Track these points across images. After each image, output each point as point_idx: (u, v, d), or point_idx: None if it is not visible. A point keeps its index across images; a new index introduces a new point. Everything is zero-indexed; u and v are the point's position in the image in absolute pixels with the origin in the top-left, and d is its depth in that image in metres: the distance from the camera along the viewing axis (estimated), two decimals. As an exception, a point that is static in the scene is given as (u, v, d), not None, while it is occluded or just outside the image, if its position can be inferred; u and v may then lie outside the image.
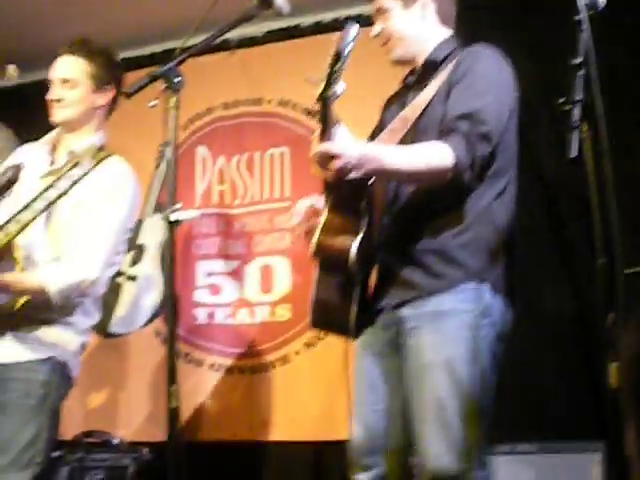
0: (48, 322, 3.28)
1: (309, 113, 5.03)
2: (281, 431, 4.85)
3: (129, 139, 3.80)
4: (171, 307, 2.68)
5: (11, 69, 3.53)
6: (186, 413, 4.79)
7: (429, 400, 2.71)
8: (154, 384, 5.00)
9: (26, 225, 3.16)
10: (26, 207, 3.18)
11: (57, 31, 3.54)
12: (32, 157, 3.49)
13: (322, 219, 2.82)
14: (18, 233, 3.15)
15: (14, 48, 3.55)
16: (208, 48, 2.90)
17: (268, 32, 5.28)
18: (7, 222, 3.17)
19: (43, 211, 3.18)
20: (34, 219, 3.17)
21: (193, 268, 5.19)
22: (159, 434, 4.92)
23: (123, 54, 5.31)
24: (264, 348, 4.96)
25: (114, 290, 5.19)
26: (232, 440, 4.93)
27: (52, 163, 3.44)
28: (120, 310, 5.13)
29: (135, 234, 5.18)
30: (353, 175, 2.65)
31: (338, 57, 2.53)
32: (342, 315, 2.84)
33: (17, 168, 3.11)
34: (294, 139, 5.09)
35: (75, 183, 3.17)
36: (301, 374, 4.86)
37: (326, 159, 2.62)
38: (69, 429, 4.76)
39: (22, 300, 3.23)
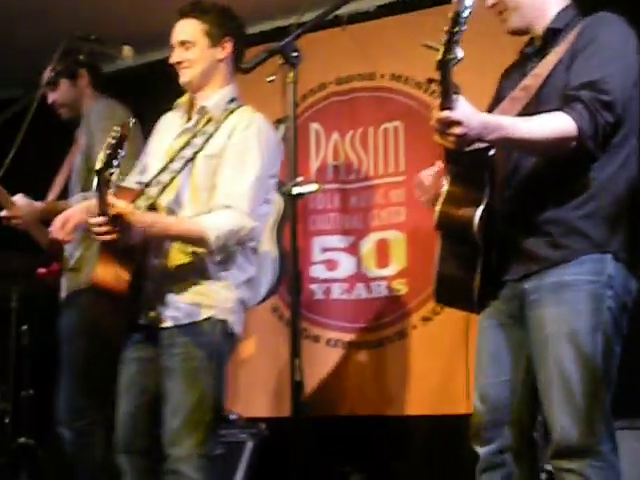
0: (203, 279, 3.36)
1: (422, 86, 5.01)
2: (398, 406, 4.86)
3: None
4: (295, 281, 2.71)
5: (127, 50, 3.61)
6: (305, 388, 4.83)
7: (553, 372, 2.70)
8: (271, 360, 5.06)
9: (166, 186, 3.34)
10: (164, 169, 3.38)
11: (170, 12, 3.59)
12: (168, 121, 3.63)
13: (444, 190, 2.82)
14: (159, 195, 3.31)
15: (129, 30, 3.62)
16: (322, 23, 2.93)
17: (380, 6, 5.25)
18: (147, 185, 3.35)
19: (181, 170, 3.35)
20: (173, 179, 3.35)
21: (309, 244, 5.22)
22: (276, 410, 5.06)
23: (259, 27, 5.40)
24: (381, 323, 4.97)
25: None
26: (349, 415, 4.97)
27: (186, 123, 3.54)
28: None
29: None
30: (475, 144, 2.65)
31: (456, 19, 2.49)
32: (466, 290, 2.83)
33: (125, 125, 3.16)
34: (408, 113, 5.06)
35: (210, 137, 3.37)
36: (418, 348, 4.86)
37: (447, 126, 2.61)
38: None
39: (177, 261, 3.35)
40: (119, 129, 3.05)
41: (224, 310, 3.37)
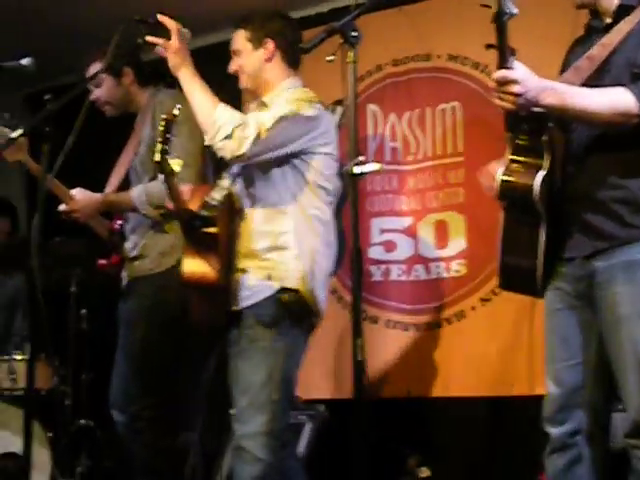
0: (270, 251, 3.48)
1: (479, 66, 4.98)
2: (457, 387, 4.85)
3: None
4: (356, 261, 2.71)
5: (185, 33, 3.63)
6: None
7: (627, 353, 2.70)
8: (329, 342, 5.06)
9: (237, 175, 3.58)
10: None
11: None
12: None
13: (505, 161, 2.82)
14: (232, 184, 3.56)
15: (184, 13, 3.64)
16: (379, 4, 2.92)
17: (436, -13, 5.23)
18: (218, 177, 3.61)
19: None
20: (244, 168, 3.57)
21: (367, 225, 5.21)
22: (335, 392, 5.07)
23: (296, 13, 5.41)
24: (439, 304, 4.96)
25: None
26: (407, 397, 4.96)
27: None
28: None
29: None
30: (533, 108, 2.66)
31: None
32: (529, 272, 2.83)
33: (170, 113, 3.31)
34: (465, 93, 5.03)
35: None
36: (477, 330, 4.84)
37: (505, 85, 2.61)
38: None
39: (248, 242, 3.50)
40: (165, 117, 3.27)
41: (293, 280, 3.44)
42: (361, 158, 2.69)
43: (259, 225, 3.51)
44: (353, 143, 2.74)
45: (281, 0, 5.07)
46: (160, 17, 3.48)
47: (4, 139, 3.72)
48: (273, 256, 3.46)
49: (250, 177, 3.58)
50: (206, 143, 3.44)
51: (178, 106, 3.36)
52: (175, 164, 3.33)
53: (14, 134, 3.13)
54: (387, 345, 5.00)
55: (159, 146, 3.24)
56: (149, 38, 3.51)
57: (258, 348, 3.40)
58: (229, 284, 3.49)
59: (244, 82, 3.68)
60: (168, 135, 3.28)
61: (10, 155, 3.86)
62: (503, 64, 2.61)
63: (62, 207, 4.15)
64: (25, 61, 3.69)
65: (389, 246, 5.15)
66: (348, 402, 4.46)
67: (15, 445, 4.53)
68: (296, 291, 3.42)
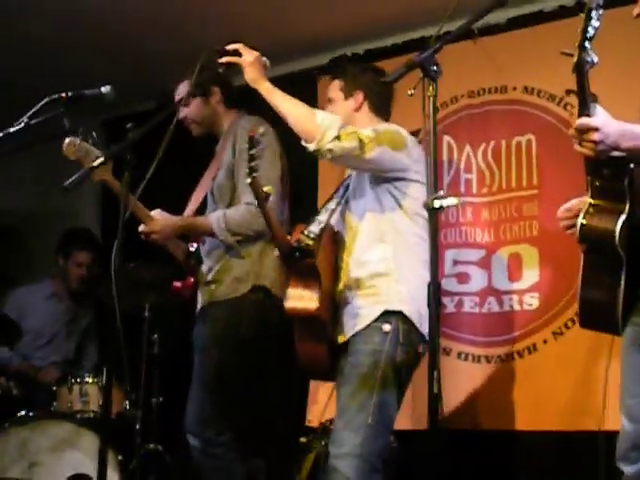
0: (373, 277, 3.61)
1: (555, 99, 4.96)
2: (527, 421, 4.79)
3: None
4: (434, 293, 2.71)
5: (263, 61, 3.70)
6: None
7: None
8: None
9: (333, 211, 3.81)
10: (330, 198, 3.89)
11: (304, 26, 3.75)
12: None
13: (585, 204, 2.81)
14: (329, 219, 3.75)
15: (262, 43, 3.72)
16: (459, 36, 2.93)
17: (511, 19, 5.21)
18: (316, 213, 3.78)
19: (343, 195, 3.88)
20: (338, 204, 3.86)
21: (441, 256, 5.16)
22: (405, 422, 5.05)
23: (377, 44, 5.46)
24: (512, 337, 4.92)
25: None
26: (477, 429, 4.92)
27: None
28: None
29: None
30: (613, 153, 2.65)
31: (589, 16, 2.55)
32: (609, 311, 2.82)
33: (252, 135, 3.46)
34: (540, 126, 5.01)
35: None
36: (548, 363, 4.79)
37: (585, 133, 2.61)
38: (316, 416, 4.89)
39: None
40: (250, 134, 3.44)
41: (395, 303, 3.54)
42: (441, 192, 2.70)
43: (360, 255, 3.63)
44: (433, 177, 2.75)
45: (365, 29, 5.14)
46: (230, 46, 3.60)
47: (93, 159, 3.78)
48: (375, 283, 3.56)
49: (348, 207, 3.75)
50: (311, 149, 3.52)
51: (262, 129, 3.46)
52: (267, 189, 3.43)
53: (96, 162, 3.19)
54: (458, 377, 4.96)
55: (248, 167, 3.38)
56: (223, 59, 3.59)
57: (358, 374, 3.49)
58: (334, 317, 3.62)
59: None
60: (253, 152, 3.39)
61: (96, 175, 3.93)
62: (584, 111, 2.61)
63: (142, 228, 4.21)
64: (105, 89, 3.75)
65: (462, 278, 5.13)
66: (416, 432, 4.52)
67: (86, 466, 4.59)
68: (400, 312, 3.50)
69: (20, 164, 7.28)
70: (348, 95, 3.92)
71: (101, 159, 3.16)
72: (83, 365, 6.06)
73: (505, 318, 4.97)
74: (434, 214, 2.69)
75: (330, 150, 3.47)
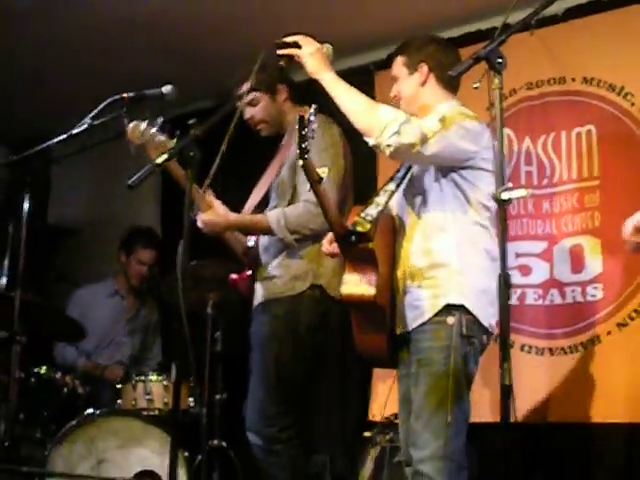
0: (433, 269, 3.50)
1: (615, 89, 4.93)
2: (592, 413, 4.76)
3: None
4: (504, 286, 2.70)
5: (327, 48, 3.68)
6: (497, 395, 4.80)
7: None
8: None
9: (393, 193, 3.61)
10: (391, 178, 3.68)
11: (361, 21, 3.75)
12: None
13: None
14: (388, 201, 3.55)
15: (329, 35, 3.72)
16: (526, 27, 2.93)
17: (567, 9, 5.18)
18: (376, 194, 3.58)
19: (403, 177, 3.64)
20: (398, 186, 3.63)
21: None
22: (472, 415, 5.03)
23: (448, 34, 5.44)
24: (575, 329, 4.89)
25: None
26: (541, 422, 4.89)
27: None
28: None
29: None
30: None
31: None
32: None
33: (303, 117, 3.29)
34: (600, 116, 4.98)
35: None
36: (613, 355, 4.76)
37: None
38: (379, 410, 4.90)
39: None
40: (299, 120, 3.23)
41: (457, 296, 3.45)
42: (509, 184, 2.70)
43: (421, 243, 3.53)
44: (500, 169, 2.75)
45: (412, 26, 5.13)
46: (289, 38, 3.57)
47: (157, 145, 3.82)
48: (436, 274, 3.47)
49: (409, 193, 3.63)
50: (371, 144, 3.43)
51: (314, 106, 3.35)
52: (321, 172, 3.30)
53: (160, 159, 3.19)
54: (522, 369, 4.93)
55: (299, 147, 3.21)
56: (281, 51, 3.56)
57: (429, 372, 3.41)
58: (392, 305, 3.54)
59: (402, 107, 3.70)
60: (304, 132, 3.21)
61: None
62: None
63: (199, 216, 4.19)
64: (166, 89, 3.79)
65: (524, 270, 5.10)
66: (482, 425, 4.52)
67: (153, 463, 4.64)
68: (461, 306, 3.43)
69: (79, 165, 7.40)
70: (412, 69, 3.74)
71: (165, 156, 3.15)
72: (147, 363, 6.13)
73: (568, 310, 4.95)
74: (503, 206, 2.68)
75: (389, 146, 3.34)
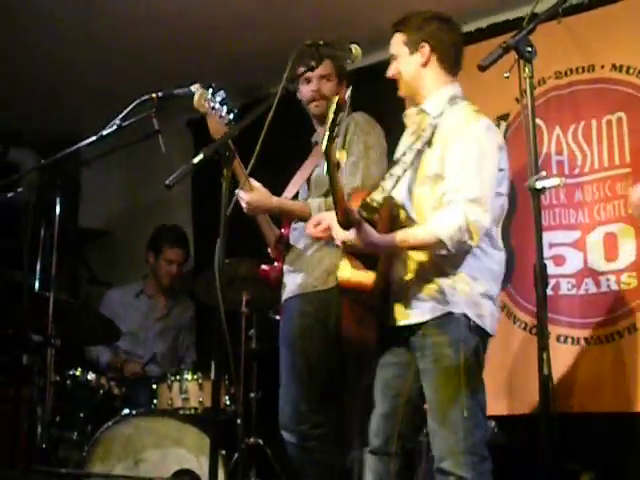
0: (441, 275, 3.41)
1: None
2: (630, 402, 4.72)
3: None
4: (541, 276, 2.69)
5: (355, 49, 3.67)
6: (534, 385, 4.77)
7: None
8: (499, 358, 5.01)
9: (399, 179, 3.40)
10: (397, 162, 3.46)
11: (389, 13, 3.73)
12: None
13: None
14: (393, 188, 3.37)
15: (350, 34, 3.72)
16: (555, 15, 2.91)
17: (593, -4, 5.16)
18: (382, 179, 3.41)
19: (411, 163, 3.44)
20: (405, 172, 3.42)
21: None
22: (505, 408, 5.02)
23: (474, 25, 5.41)
24: (610, 317, 4.84)
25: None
26: (580, 412, 4.86)
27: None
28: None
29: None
30: None
31: None
32: None
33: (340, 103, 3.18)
34: (630, 103, 4.93)
35: (434, 131, 3.46)
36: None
37: None
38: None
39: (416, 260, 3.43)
40: (337, 99, 3.07)
41: (464, 304, 3.39)
42: (543, 173, 2.68)
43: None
44: (533, 158, 2.73)
45: (462, 11, 5.11)
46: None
47: (218, 117, 3.85)
48: (439, 277, 3.41)
49: (419, 184, 3.51)
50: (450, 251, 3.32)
51: (349, 90, 3.28)
52: (340, 155, 3.14)
53: (196, 159, 3.18)
54: (558, 360, 4.89)
55: (329, 131, 3.04)
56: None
57: (441, 368, 3.36)
58: (387, 296, 3.47)
59: (402, 89, 3.66)
60: (335, 117, 3.04)
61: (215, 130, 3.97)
62: None
63: (239, 192, 4.09)
64: (194, 87, 3.79)
65: (558, 260, 5.06)
66: (518, 417, 4.50)
67: (189, 462, 4.66)
68: (466, 315, 3.39)
69: (109, 167, 7.43)
70: (413, 49, 3.60)
71: (200, 156, 3.17)
72: (182, 361, 6.16)
73: (603, 299, 4.91)
74: (537, 195, 2.66)
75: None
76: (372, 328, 3.52)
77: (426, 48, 3.59)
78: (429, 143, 3.47)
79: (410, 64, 3.62)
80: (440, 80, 3.62)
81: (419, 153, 3.46)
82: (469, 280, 3.41)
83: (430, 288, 3.41)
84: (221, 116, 3.88)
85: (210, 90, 3.89)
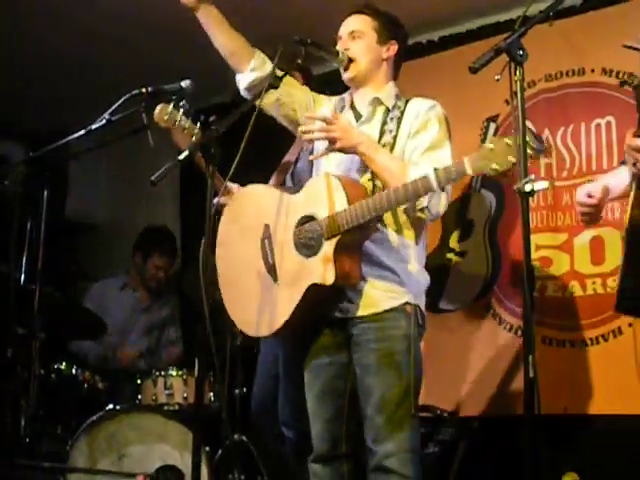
0: (397, 262, 3.44)
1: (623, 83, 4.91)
2: (614, 404, 4.74)
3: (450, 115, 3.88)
4: (527, 278, 2.69)
5: (341, 53, 3.68)
6: (518, 387, 4.80)
7: None
8: (485, 359, 5.03)
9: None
10: None
11: (391, 9, 3.74)
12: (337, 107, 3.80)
13: (632, 196, 2.83)
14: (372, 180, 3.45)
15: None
16: (547, 18, 2.92)
17: (586, 0, 5.15)
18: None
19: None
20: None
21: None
22: (491, 409, 5.03)
23: (465, 26, 5.42)
24: (596, 320, 4.87)
25: (444, 266, 5.28)
26: (563, 414, 4.86)
27: (358, 118, 3.67)
28: (450, 286, 5.20)
29: (464, 209, 5.22)
30: None
31: None
32: None
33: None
34: (619, 107, 4.94)
35: (400, 121, 3.53)
36: (635, 346, 4.73)
37: (638, 153, 2.63)
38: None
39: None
40: None
41: (417, 295, 3.45)
42: (532, 176, 2.68)
43: (384, 233, 3.47)
44: (523, 161, 2.73)
45: (429, 18, 5.12)
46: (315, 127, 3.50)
47: (182, 128, 3.81)
48: (396, 268, 3.43)
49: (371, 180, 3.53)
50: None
51: None
52: None
53: (182, 156, 3.18)
54: (543, 361, 4.88)
55: None
56: (307, 136, 3.53)
57: (392, 362, 3.34)
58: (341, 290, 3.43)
59: (353, 70, 3.64)
60: None
61: (181, 142, 3.94)
62: (638, 132, 2.64)
63: (217, 199, 4.13)
64: (185, 83, 3.78)
65: (545, 262, 5.08)
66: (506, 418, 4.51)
67: (173, 458, 4.64)
68: (417, 306, 3.43)
69: (97, 161, 7.41)
70: (382, 41, 3.66)
71: (186, 153, 3.17)
72: (165, 355, 6.14)
73: (589, 302, 4.93)
74: (526, 198, 2.66)
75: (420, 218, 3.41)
76: (316, 320, 3.55)
77: (395, 46, 3.69)
78: (395, 137, 3.53)
79: (374, 52, 3.67)
80: (389, 77, 3.71)
81: (393, 145, 3.52)
82: (422, 270, 3.54)
83: (383, 277, 3.44)
84: (185, 128, 3.85)
85: (171, 104, 3.87)
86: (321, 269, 3.29)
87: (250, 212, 3.75)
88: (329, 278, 3.26)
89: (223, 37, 3.76)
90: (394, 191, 3.18)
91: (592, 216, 3.32)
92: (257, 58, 3.76)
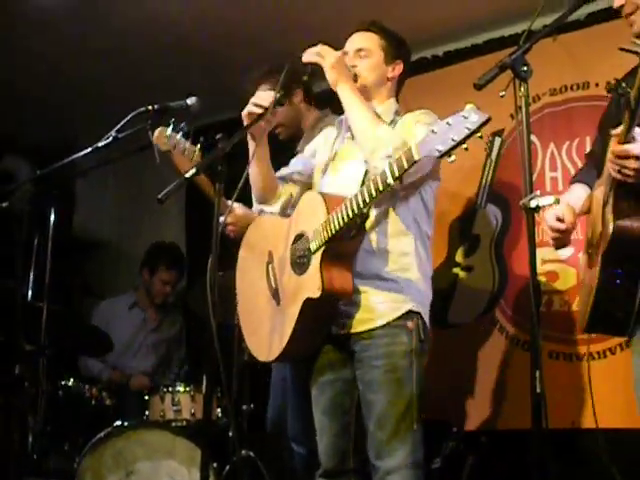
0: (397, 270, 3.44)
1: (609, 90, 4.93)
2: (623, 418, 4.69)
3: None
4: (534, 292, 2.69)
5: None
6: (525, 401, 4.77)
7: None
8: (492, 373, 5.03)
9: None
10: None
11: (397, 22, 3.75)
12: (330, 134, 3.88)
13: (610, 207, 2.86)
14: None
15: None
16: (550, 34, 2.92)
17: (590, 14, 5.16)
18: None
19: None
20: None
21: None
22: (498, 423, 5.02)
23: (471, 41, 5.42)
24: (603, 335, 4.81)
25: (451, 281, 5.28)
26: (570, 428, 4.86)
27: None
28: (457, 300, 5.20)
29: (470, 224, 5.22)
30: None
31: None
32: (623, 314, 2.99)
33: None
34: (625, 121, 4.95)
35: None
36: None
37: (624, 159, 2.63)
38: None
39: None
40: None
41: (418, 304, 3.44)
42: (538, 192, 2.69)
43: (380, 243, 3.46)
44: (527, 176, 2.73)
45: (434, 33, 5.13)
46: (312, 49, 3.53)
47: (181, 151, 3.83)
48: (396, 278, 3.42)
49: None
50: (364, 158, 3.43)
51: None
52: None
53: (189, 174, 3.19)
54: (550, 376, 4.88)
55: None
56: (305, 58, 3.53)
57: (394, 379, 3.34)
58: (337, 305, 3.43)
59: (362, 82, 3.63)
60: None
61: (181, 164, 3.94)
62: (625, 138, 2.64)
63: (222, 219, 4.14)
64: (190, 100, 3.80)
65: (551, 276, 5.08)
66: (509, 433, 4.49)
67: (181, 474, 4.64)
68: (418, 314, 3.41)
69: (104, 178, 7.42)
70: (389, 60, 3.68)
71: (193, 170, 3.18)
72: (171, 373, 6.14)
73: (596, 316, 4.89)
74: (531, 214, 2.67)
75: (375, 167, 3.28)
76: (320, 337, 3.54)
77: (401, 66, 3.71)
78: None
79: (380, 70, 3.68)
80: (391, 93, 3.73)
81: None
82: (421, 279, 3.52)
83: (383, 292, 3.44)
84: (184, 150, 3.86)
85: (170, 127, 3.88)
86: (311, 282, 3.31)
87: (259, 241, 3.80)
88: (318, 290, 3.26)
89: (263, 174, 3.80)
90: (360, 193, 3.19)
91: (563, 240, 3.32)
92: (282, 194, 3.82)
